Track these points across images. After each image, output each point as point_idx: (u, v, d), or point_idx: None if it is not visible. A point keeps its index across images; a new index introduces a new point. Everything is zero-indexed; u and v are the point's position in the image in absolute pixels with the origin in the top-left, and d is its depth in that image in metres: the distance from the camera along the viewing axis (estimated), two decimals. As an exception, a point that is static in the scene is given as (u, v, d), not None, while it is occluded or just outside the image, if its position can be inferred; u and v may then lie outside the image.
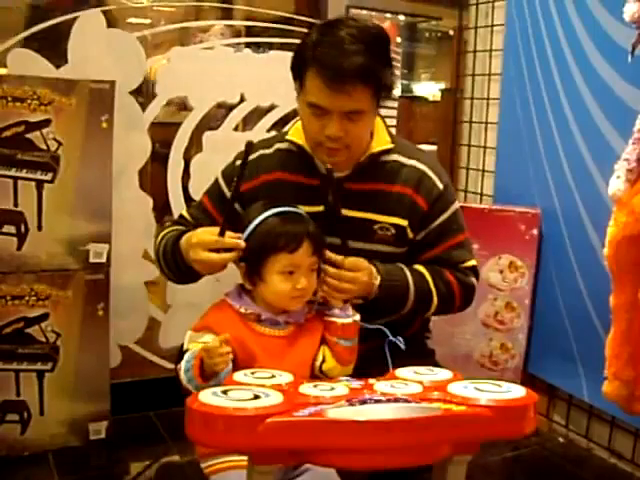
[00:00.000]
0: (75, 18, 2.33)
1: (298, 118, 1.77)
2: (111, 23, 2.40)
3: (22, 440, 2.32)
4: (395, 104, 2.92)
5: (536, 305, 2.71)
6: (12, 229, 2.22)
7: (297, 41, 2.58)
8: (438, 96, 3.59)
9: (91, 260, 2.32)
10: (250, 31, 2.91)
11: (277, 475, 1.45)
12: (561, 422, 2.71)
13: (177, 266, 1.66)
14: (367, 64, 1.51)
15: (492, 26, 2.95)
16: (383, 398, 1.15)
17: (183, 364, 1.39)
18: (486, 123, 3.00)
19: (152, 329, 2.61)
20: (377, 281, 1.59)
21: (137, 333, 2.57)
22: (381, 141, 1.69)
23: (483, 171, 3.03)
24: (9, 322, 2.24)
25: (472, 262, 1.75)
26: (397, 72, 3.03)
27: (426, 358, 1.67)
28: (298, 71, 1.59)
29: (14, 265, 2.23)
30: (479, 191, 3.05)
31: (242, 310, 1.51)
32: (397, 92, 3.73)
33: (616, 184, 1.72)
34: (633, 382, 1.84)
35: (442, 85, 3.57)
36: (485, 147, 3.01)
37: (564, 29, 2.52)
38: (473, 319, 2.74)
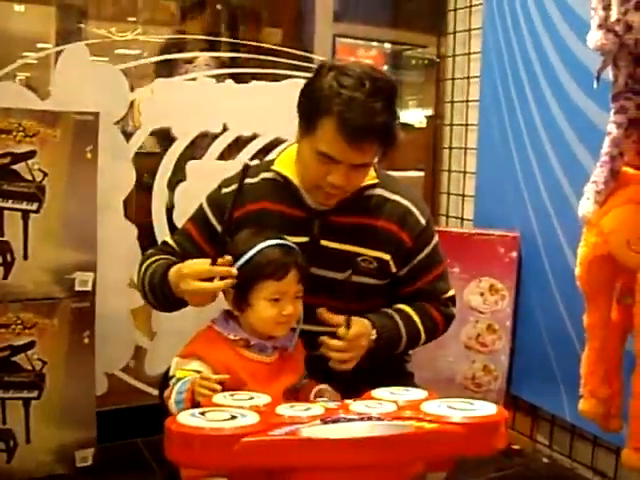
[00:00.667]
0: (60, 51, 2.38)
1: (283, 149, 1.82)
2: (95, 55, 2.44)
3: (8, 469, 2.31)
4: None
5: (517, 327, 2.75)
6: (-2, 259, 2.25)
7: (284, 72, 2.69)
8: (424, 123, 3.64)
9: (77, 288, 2.33)
10: (236, 62, 2.98)
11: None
12: (545, 442, 2.74)
13: (165, 297, 1.66)
14: (387, 123, 1.55)
15: (469, 54, 3.02)
16: (356, 417, 1.18)
17: (174, 395, 1.41)
18: (465, 149, 3.06)
19: (138, 356, 2.61)
20: (373, 337, 1.64)
21: (123, 361, 2.57)
22: (367, 176, 1.73)
23: (463, 196, 3.09)
24: (-5, 351, 2.25)
25: (451, 292, 1.84)
26: None
27: (405, 381, 1.70)
28: (310, 115, 1.59)
29: (0, 294, 2.24)
30: (460, 215, 3.10)
31: (231, 336, 1.54)
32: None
33: (585, 206, 1.77)
34: (609, 400, 1.87)
35: (428, 112, 3.62)
36: (465, 172, 3.07)
37: (538, 56, 2.59)
38: (455, 342, 2.77)
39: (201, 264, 1.54)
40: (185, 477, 1.53)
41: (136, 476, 2.46)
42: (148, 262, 1.75)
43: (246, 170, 1.56)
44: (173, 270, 1.61)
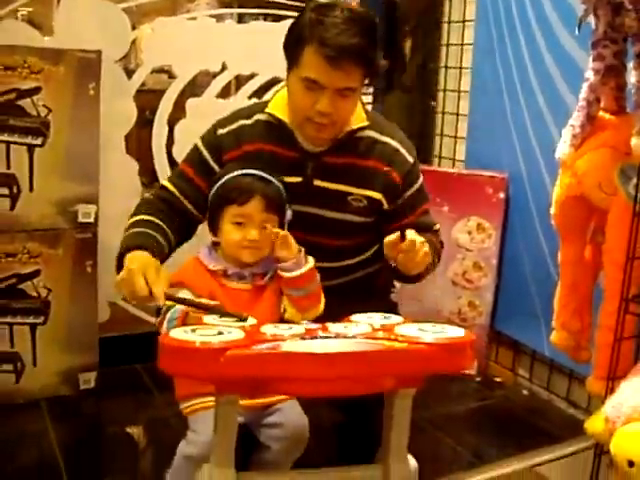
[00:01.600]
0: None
1: (277, 90, 1.89)
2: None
3: (16, 389, 2.46)
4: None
5: (502, 265, 2.86)
6: (5, 191, 2.34)
7: (282, 12, 2.73)
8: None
9: (80, 220, 2.44)
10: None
11: (249, 416, 1.63)
12: (525, 375, 2.88)
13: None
14: (364, 45, 1.63)
15: (465, -2, 3.06)
16: (332, 335, 1.30)
17: (165, 323, 1.51)
18: (459, 91, 3.12)
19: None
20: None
21: (125, 290, 2.70)
22: (358, 118, 1.81)
23: (456, 137, 3.16)
24: (3, 278, 2.37)
25: (437, 226, 1.94)
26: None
27: (389, 310, 1.81)
28: (293, 47, 1.68)
29: (7, 225, 2.36)
30: (452, 157, 3.18)
31: (210, 266, 1.65)
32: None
33: (562, 148, 1.86)
34: (579, 333, 1.99)
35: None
36: (458, 114, 3.14)
37: (531, 1, 2.64)
38: (442, 278, 2.89)
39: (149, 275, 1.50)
40: (178, 396, 1.68)
41: (135, 398, 2.61)
42: (131, 221, 1.76)
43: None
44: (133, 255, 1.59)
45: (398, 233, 1.59)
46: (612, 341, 1.69)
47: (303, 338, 1.27)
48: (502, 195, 2.79)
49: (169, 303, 1.51)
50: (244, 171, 1.66)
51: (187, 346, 1.20)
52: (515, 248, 2.79)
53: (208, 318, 1.41)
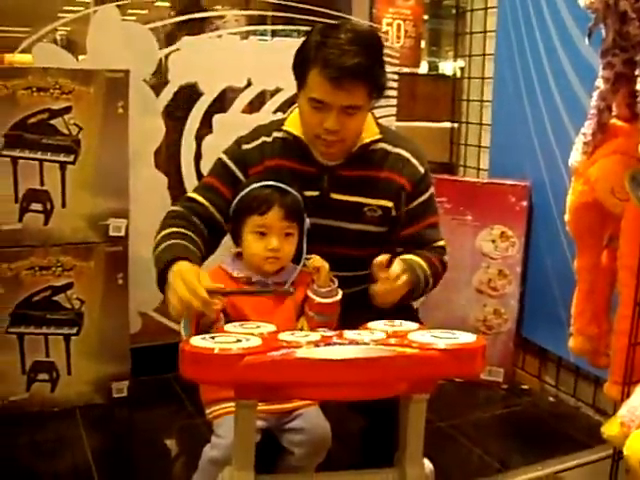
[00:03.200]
0: (94, 11, 2.53)
1: (292, 110, 1.96)
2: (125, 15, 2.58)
3: (52, 397, 2.54)
4: (395, 84, 3.08)
5: (527, 272, 2.87)
6: (39, 207, 2.43)
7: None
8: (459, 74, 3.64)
9: (111, 234, 2.52)
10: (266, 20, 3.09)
11: (272, 421, 1.68)
12: (551, 382, 2.88)
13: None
14: (364, 64, 1.69)
15: (486, 8, 3.09)
16: (346, 342, 1.34)
17: (182, 330, 1.58)
18: (482, 101, 3.15)
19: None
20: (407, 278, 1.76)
21: (155, 301, 2.73)
22: (370, 132, 1.88)
23: (480, 147, 3.19)
24: (38, 291, 2.45)
25: (443, 242, 1.98)
26: (422, 47, 3.20)
27: (407, 316, 1.84)
28: (300, 69, 1.76)
29: (42, 239, 2.44)
30: (476, 166, 3.21)
31: (234, 274, 1.73)
32: (423, 69, 3.82)
33: (574, 156, 1.88)
34: (597, 338, 2.00)
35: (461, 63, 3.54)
36: (482, 124, 3.17)
37: (550, 11, 2.67)
38: (467, 286, 2.92)
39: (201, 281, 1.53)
40: (204, 402, 1.74)
41: (167, 407, 2.67)
42: (163, 234, 1.77)
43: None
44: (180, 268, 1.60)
45: (387, 257, 1.69)
46: (627, 345, 1.71)
47: (318, 345, 1.32)
48: (525, 203, 2.81)
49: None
50: (262, 183, 1.74)
51: (206, 352, 1.26)
52: (539, 255, 2.81)
53: (229, 327, 1.46)
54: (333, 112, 1.72)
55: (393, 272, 1.70)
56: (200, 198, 1.87)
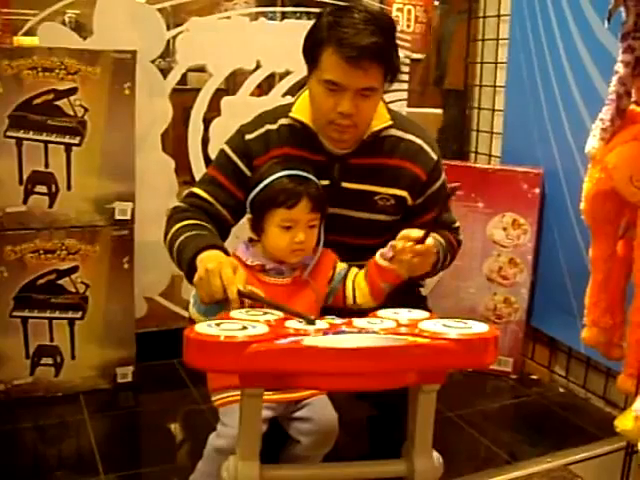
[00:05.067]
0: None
1: (299, 95, 1.90)
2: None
3: (56, 382, 2.52)
4: (407, 68, 3.03)
5: (538, 261, 2.83)
6: (44, 189, 2.40)
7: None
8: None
9: (116, 217, 2.49)
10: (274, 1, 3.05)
11: (280, 410, 1.65)
12: (561, 373, 2.85)
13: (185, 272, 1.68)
14: (382, 44, 1.64)
15: (501, -7, 3.04)
16: (355, 330, 1.31)
17: (191, 298, 1.59)
18: (495, 86, 3.10)
19: (176, 281, 2.75)
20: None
21: (161, 286, 2.74)
22: (381, 119, 1.82)
23: (492, 133, 3.14)
24: (43, 274, 2.43)
25: (457, 223, 1.96)
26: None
27: (418, 304, 1.82)
28: (312, 51, 1.70)
29: (46, 222, 2.42)
30: (488, 152, 3.16)
31: (248, 262, 1.68)
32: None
33: (591, 142, 1.83)
34: (611, 329, 1.96)
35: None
36: (494, 110, 3.12)
37: (566, -5, 2.62)
38: (478, 274, 2.88)
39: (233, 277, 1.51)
40: (210, 389, 1.71)
41: (172, 392, 2.65)
42: (178, 226, 1.75)
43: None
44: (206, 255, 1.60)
45: (423, 232, 1.61)
46: (642, 338, 1.68)
47: (326, 333, 1.28)
48: (537, 191, 2.76)
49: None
50: (287, 172, 1.67)
51: (212, 340, 1.22)
52: (551, 244, 2.77)
53: (235, 313, 1.43)
54: (348, 94, 1.66)
55: (429, 244, 1.64)
56: (204, 194, 1.83)
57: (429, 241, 1.63)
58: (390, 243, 1.66)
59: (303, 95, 1.85)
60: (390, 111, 1.87)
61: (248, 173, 1.80)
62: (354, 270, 1.76)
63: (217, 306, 1.51)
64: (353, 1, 1.82)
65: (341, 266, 1.77)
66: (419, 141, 1.85)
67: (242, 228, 1.83)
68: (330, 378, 1.26)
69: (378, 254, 1.69)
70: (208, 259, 1.56)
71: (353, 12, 1.66)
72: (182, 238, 1.69)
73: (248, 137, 1.84)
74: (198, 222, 1.74)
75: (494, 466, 2.24)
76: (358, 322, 1.38)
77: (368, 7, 1.74)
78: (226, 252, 1.64)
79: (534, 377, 2.91)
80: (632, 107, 1.83)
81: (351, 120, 1.70)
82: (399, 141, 1.84)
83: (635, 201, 1.78)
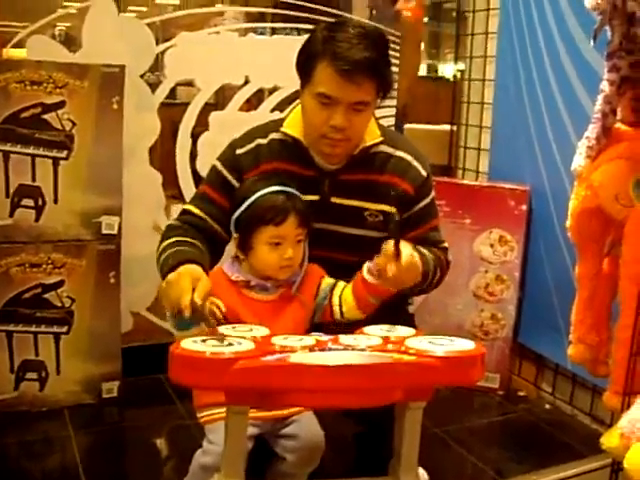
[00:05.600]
0: (88, 6, 2.48)
1: (291, 110, 1.91)
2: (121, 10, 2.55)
3: (41, 397, 2.50)
4: (395, 85, 3.04)
5: (525, 278, 2.84)
6: (30, 202, 2.39)
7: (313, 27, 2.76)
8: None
9: (103, 231, 2.48)
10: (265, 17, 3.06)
11: (265, 427, 1.64)
12: (548, 390, 2.84)
13: None
14: (375, 58, 1.66)
15: (488, 10, 3.05)
16: (342, 347, 1.31)
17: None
18: (482, 103, 3.12)
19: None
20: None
21: (148, 300, 2.71)
22: (372, 134, 1.83)
23: (479, 149, 3.15)
24: (28, 288, 2.41)
25: (446, 244, 1.95)
26: (422, 49, 3.18)
27: (405, 322, 1.82)
28: (306, 64, 1.71)
29: (33, 235, 2.41)
30: (476, 169, 3.17)
31: (233, 277, 1.68)
32: (422, 72, 3.80)
33: (577, 160, 1.85)
34: (597, 346, 1.96)
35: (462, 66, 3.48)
36: (482, 127, 3.13)
37: (554, 13, 2.63)
38: (465, 290, 2.88)
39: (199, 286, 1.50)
40: (196, 405, 1.70)
41: (158, 408, 2.63)
42: (164, 244, 1.74)
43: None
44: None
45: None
46: (628, 355, 1.68)
47: (312, 350, 1.28)
48: (524, 207, 2.77)
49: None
50: (273, 189, 1.67)
51: (197, 356, 1.22)
52: (538, 261, 2.77)
53: (221, 329, 1.42)
54: (341, 108, 1.67)
55: (406, 251, 1.61)
56: (197, 210, 1.83)
57: (406, 255, 1.60)
58: (374, 259, 1.66)
59: (295, 110, 1.86)
60: (380, 127, 1.88)
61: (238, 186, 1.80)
62: (341, 284, 1.76)
63: (187, 319, 1.47)
64: (343, 17, 1.84)
65: (327, 282, 1.76)
66: (409, 157, 1.85)
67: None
68: (316, 395, 1.26)
69: (365, 268, 1.69)
70: (175, 272, 1.55)
71: (348, 27, 1.68)
72: (165, 254, 1.69)
73: (239, 151, 1.84)
74: (184, 239, 1.73)
75: (481, 483, 2.24)
76: (344, 339, 1.38)
77: (362, 23, 1.77)
78: (204, 267, 1.62)
79: (521, 394, 2.91)
80: (618, 125, 1.84)
81: (343, 134, 1.71)
82: (389, 157, 1.84)
83: (621, 219, 1.79)
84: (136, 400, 2.64)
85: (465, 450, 2.44)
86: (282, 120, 1.88)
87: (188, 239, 1.74)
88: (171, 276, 1.54)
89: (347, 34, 1.66)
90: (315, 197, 1.79)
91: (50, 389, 2.51)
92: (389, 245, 1.60)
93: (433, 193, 1.91)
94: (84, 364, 2.54)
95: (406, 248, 1.61)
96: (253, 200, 1.67)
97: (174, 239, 1.74)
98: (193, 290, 1.47)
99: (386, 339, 1.40)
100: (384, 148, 1.85)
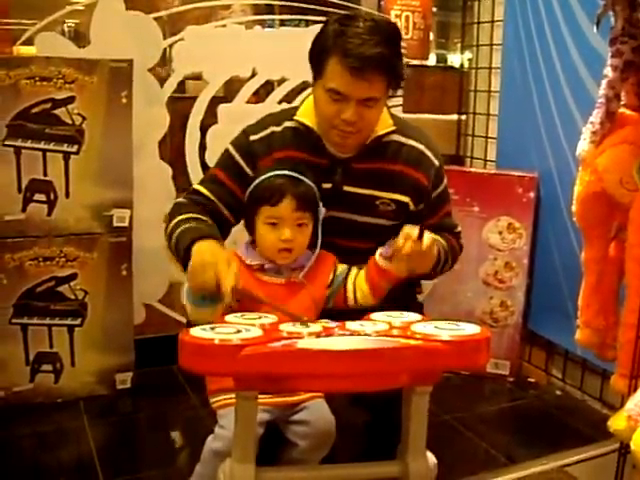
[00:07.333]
0: (95, 2, 2.50)
1: (305, 97, 1.91)
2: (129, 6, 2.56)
3: (56, 388, 2.54)
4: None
5: (534, 264, 2.85)
6: (43, 197, 2.42)
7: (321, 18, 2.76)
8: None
9: (114, 224, 2.51)
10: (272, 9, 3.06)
11: (277, 414, 1.66)
12: (558, 375, 2.86)
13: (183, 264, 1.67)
14: (386, 54, 1.65)
15: (495, -2, 3.06)
16: (348, 333, 1.32)
17: (184, 291, 1.59)
18: (489, 92, 3.12)
19: (174, 288, 2.75)
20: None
21: (160, 292, 2.75)
22: (384, 124, 1.83)
23: (487, 138, 3.16)
24: (42, 281, 2.45)
25: (459, 228, 1.98)
26: (431, 39, 3.19)
27: (415, 311, 1.83)
28: (318, 58, 1.71)
29: (45, 229, 2.44)
30: (483, 157, 3.18)
31: (247, 261, 1.70)
32: (431, 62, 3.81)
33: (582, 145, 1.86)
34: (604, 330, 1.98)
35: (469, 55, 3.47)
36: (489, 115, 3.14)
37: (559, 1, 2.63)
38: (474, 278, 2.90)
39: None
40: (208, 391, 1.72)
41: (171, 398, 2.66)
42: (178, 219, 1.74)
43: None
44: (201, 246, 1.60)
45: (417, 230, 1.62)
46: (634, 338, 1.69)
47: (319, 336, 1.30)
48: (532, 195, 2.78)
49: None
50: (275, 172, 1.70)
51: (206, 343, 1.24)
52: (546, 247, 2.79)
53: (230, 317, 1.45)
54: (351, 103, 1.67)
55: (428, 243, 1.64)
56: (206, 191, 1.83)
57: (427, 239, 1.63)
58: (390, 241, 1.68)
59: (308, 99, 1.86)
60: (393, 116, 1.88)
61: (250, 173, 1.81)
62: (354, 270, 1.77)
63: (210, 300, 1.52)
64: (355, 9, 1.83)
65: (341, 269, 1.78)
66: (421, 146, 1.86)
67: (242, 231, 1.85)
68: (323, 380, 1.28)
69: (377, 253, 1.71)
70: (204, 250, 1.57)
71: (359, 21, 1.67)
72: (180, 229, 1.69)
73: (252, 138, 1.85)
74: (197, 216, 1.74)
75: (491, 468, 2.25)
76: (351, 325, 1.40)
77: (374, 16, 1.76)
78: (222, 244, 1.65)
79: (531, 380, 2.93)
80: (621, 110, 1.85)
81: (354, 127, 1.71)
82: (402, 146, 1.85)
83: (625, 203, 1.80)
84: (149, 391, 2.68)
85: (476, 436, 2.46)
86: (296, 109, 1.88)
87: (201, 216, 1.75)
88: (207, 257, 1.53)
89: (358, 29, 1.65)
90: (328, 185, 1.80)
91: (65, 381, 2.55)
92: (413, 229, 1.63)
93: (445, 180, 1.92)
94: (98, 356, 2.58)
95: (428, 235, 1.64)
96: (256, 183, 1.70)
97: (187, 215, 1.74)
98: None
99: (392, 324, 1.41)
100: (396, 137, 1.85)
